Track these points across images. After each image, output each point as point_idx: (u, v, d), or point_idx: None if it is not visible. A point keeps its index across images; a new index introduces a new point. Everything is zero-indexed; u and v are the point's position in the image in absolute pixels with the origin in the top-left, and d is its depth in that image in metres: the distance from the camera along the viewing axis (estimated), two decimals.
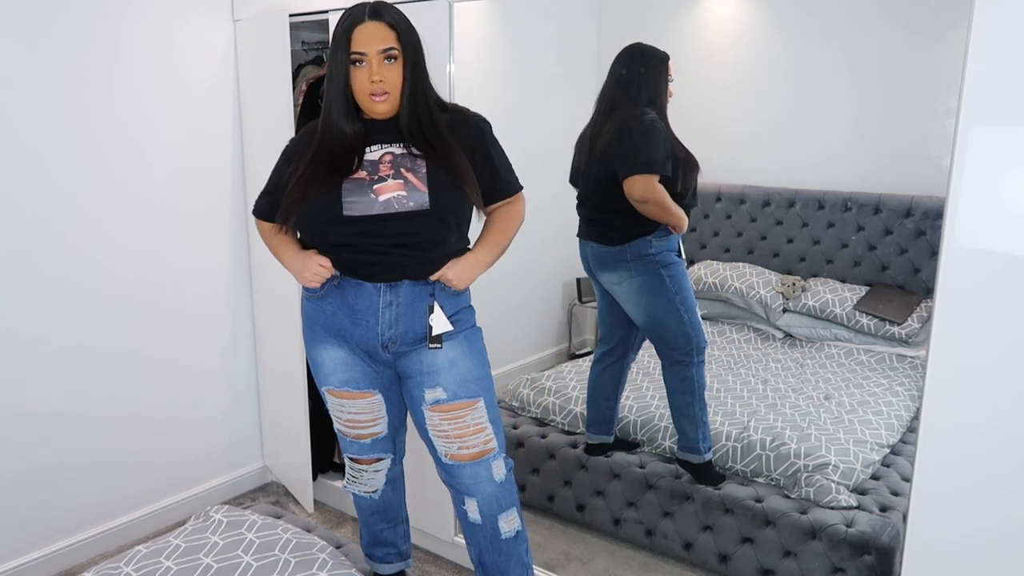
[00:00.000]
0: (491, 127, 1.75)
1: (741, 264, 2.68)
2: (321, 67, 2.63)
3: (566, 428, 2.59)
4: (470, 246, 1.75)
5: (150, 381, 2.55)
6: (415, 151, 1.65)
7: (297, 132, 2.45)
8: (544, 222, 2.58)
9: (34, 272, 2.22)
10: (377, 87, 1.58)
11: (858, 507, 2.02)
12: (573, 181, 2.37)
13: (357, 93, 1.61)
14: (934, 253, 2.33)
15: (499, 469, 1.72)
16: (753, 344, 2.67)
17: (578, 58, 2.88)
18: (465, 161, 1.65)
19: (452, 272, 1.66)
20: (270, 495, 2.90)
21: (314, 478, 2.74)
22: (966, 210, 1.33)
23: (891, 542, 1.91)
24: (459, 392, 1.68)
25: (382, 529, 1.97)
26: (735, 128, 2.61)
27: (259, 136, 2.63)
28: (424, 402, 1.70)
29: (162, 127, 2.48)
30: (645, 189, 2.10)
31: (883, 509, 2.02)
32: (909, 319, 2.41)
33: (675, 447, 2.33)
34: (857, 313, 2.46)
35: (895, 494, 2.07)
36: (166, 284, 2.56)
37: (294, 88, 2.59)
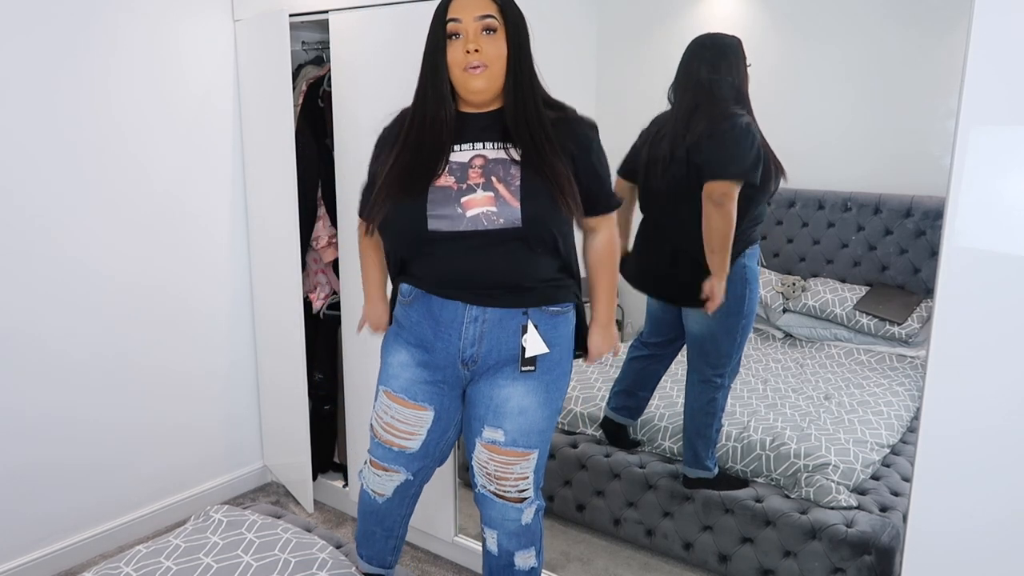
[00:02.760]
0: (598, 132, 1.59)
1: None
2: (321, 67, 2.63)
3: (566, 428, 2.59)
4: (571, 269, 1.61)
5: (150, 382, 2.55)
6: (512, 154, 1.50)
7: (297, 132, 2.46)
8: None
9: (33, 274, 2.22)
10: (473, 58, 1.43)
11: (858, 507, 2.02)
12: (643, 188, 2.22)
13: (452, 70, 1.47)
14: (934, 253, 2.33)
15: (528, 513, 1.66)
16: (753, 344, 2.66)
17: (578, 58, 2.87)
18: (565, 168, 1.49)
19: (593, 357, 1.65)
20: (270, 495, 2.90)
21: (314, 478, 2.74)
22: (966, 210, 1.33)
23: (891, 542, 1.91)
24: (519, 440, 1.58)
25: (374, 532, 1.85)
26: None
27: (259, 137, 2.63)
28: (481, 436, 1.61)
29: (162, 127, 2.47)
30: (724, 192, 1.97)
31: (883, 509, 2.02)
32: (909, 319, 2.41)
33: (675, 448, 2.33)
34: (857, 313, 2.46)
35: (895, 494, 2.07)
36: (166, 284, 2.56)
37: (294, 88, 2.59)
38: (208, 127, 2.61)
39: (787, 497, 2.11)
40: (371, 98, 2.30)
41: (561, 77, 2.99)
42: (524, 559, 1.70)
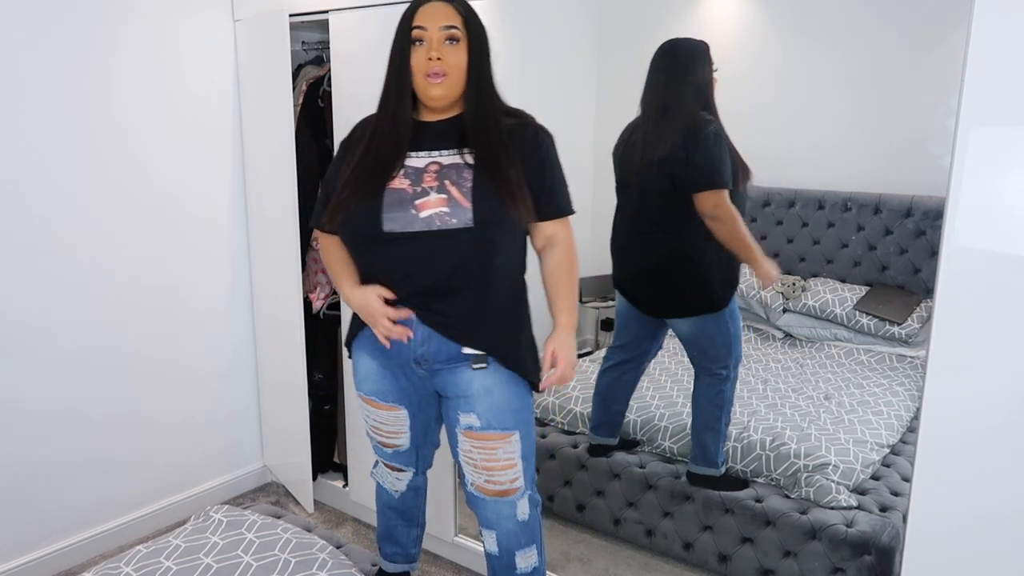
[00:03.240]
0: (553, 140, 1.63)
1: (741, 264, 2.68)
2: (321, 67, 2.63)
3: (566, 428, 2.59)
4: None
5: (150, 381, 2.55)
6: (467, 159, 1.55)
7: (297, 132, 2.46)
8: None
9: (34, 272, 2.22)
10: (435, 65, 1.49)
11: (858, 507, 2.02)
12: (619, 196, 2.27)
13: (414, 75, 1.52)
14: (934, 253, 2.33)
15: (523, 508, 1.67)
16: (753, 344, 2.67)
17: (578, 58, 2.88)
18: (516, 172, 1.53)
19: (560, 368, 1.60)
20: (270, 495, 2.90)
21: (314, 478, 2.74)
22: (966, 210, 1.33)
23: (891, 542, 1.91)
24: (493, 423, 1.60)
25: (396, 526, 1.96)
26: (735, 128, 2.60)
27: (259, 136, 2.63)
28: (459, 424, 1.64)
29: (162, 127, 2.47)
30: (715, 203, 2.02)
31: (883, 509, 2.02)
32: (909, 319, 2.41)
33: (674, 448, 2.33)
34: (857, 313, 2.46)
35: (895, 494, 2.07)
36: (166, 284, 2.56)
37: (294, 88, 2.59)
38: (208, 127, 2.61)
39: (787, 497, 2.11)
40: (371, 98, 2.28)
41: (561, 77, 3.00)
42: (525, 559, 1.71)
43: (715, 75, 2.09)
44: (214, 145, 2.64)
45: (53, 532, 2.37)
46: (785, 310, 2.60)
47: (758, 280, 2.06)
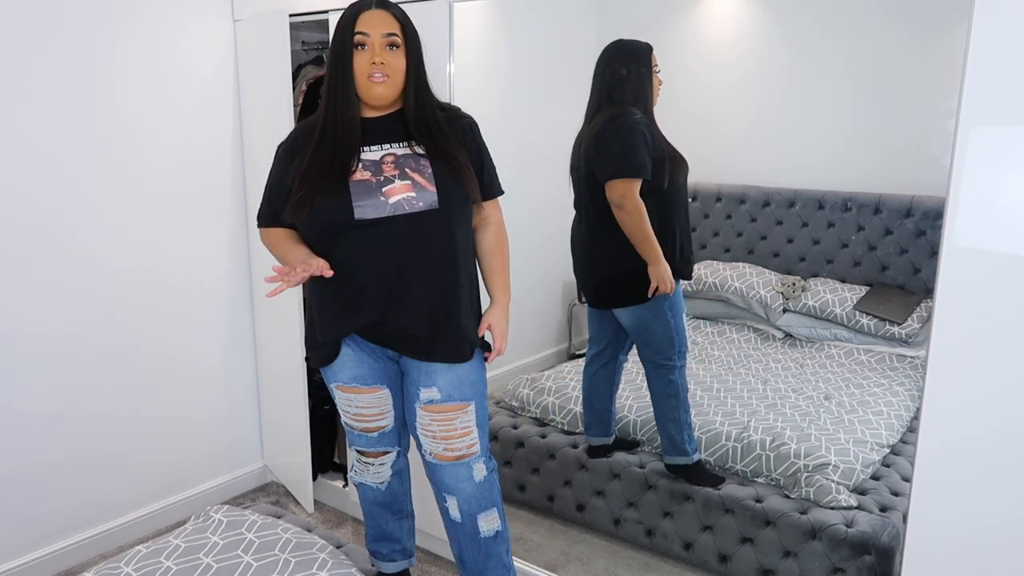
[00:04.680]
0: (479, 128, 1.78)
1: (741, 264, 2.68)
2: (321, 67, 2.63)
3: (566, 428, 2.59)
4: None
5: (150, 381, 2.56)
6: (418, 150, 1.67)
7: None
8: (544, 221, 2.58)
9: (34, 273, 2.22)
10: (378, 68, 1.60)
11: (858, 507, 2.02)
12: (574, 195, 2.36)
13: (357, 77, 1.62)
14: (934, 253, 2.33)
15: (480, 470, 1.76)
16: (753, 344, 2.67)
17: (578, 58, 2.88)
18: (464, 157, 1.68)
19: (498, 344, 1.76)
20: (270, 495, 2.90)
21: (314, 478, 2.74)
22: (966, 210, 1.33)
23: (891, 542, 1.91)
24: (453, 394, 1.71)
25: (387, 521, 1.98)
26: (735, 128, 2.61)
27: (259, 136, 2.63)
28: (419, 400, 1.73)
29: (162, 127, 2.47)
30: (622, 192, 2.09)
31: (883, 509, 2.02)
32: (909, 319, 2.41)
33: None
34: (857, 313, 2.46)
35: (895, 494, 2.07)
36: (166, 284, 2.56)
37: (294, 88, 2.59)
38: (209, 126, 2.61)
39: (787, 497, 2.11)
40: None
41: (561, 77, 3.00)
42: (487, 522, 1.77)
43: (657, 76, 2.17)
44: (214, 145, 2.64)
45: (53, 532, 2.37)
46: (785, 310, 2.60)
47: (656, 281, 2.14)
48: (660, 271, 2.11)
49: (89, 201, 2.32)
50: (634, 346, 2.47)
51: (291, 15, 2.37)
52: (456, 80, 2.12)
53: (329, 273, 1.58)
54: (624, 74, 2.15)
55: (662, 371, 2.23)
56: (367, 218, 1.60)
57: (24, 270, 2.20)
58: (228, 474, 2.86)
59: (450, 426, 1.72)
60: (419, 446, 1.79)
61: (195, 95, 2.56)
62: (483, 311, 1.79)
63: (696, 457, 2.24)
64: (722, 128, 2.61)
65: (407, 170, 1.65)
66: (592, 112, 2.22)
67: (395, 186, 1.63)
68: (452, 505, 1.77)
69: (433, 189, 1.63)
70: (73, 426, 2.37)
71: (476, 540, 1.78)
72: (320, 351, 1.75)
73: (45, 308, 2.26)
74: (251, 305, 2.85)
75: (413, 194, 1.62)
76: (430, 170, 1.65)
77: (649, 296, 2.14)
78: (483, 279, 1.81)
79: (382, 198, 1.61)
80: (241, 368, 2.85)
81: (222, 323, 2.76)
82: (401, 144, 1.68)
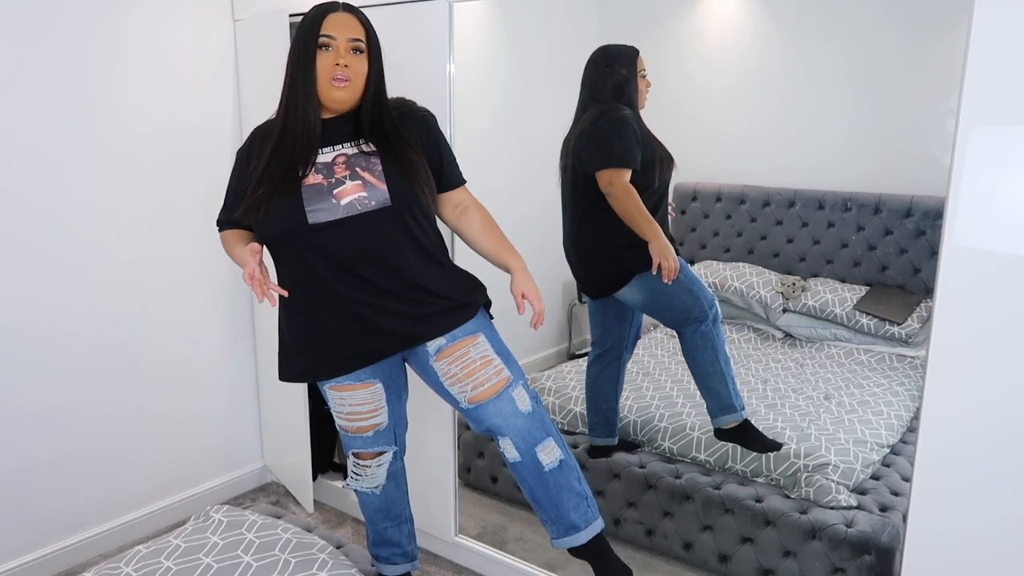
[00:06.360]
0: (436, 120, 1.78)
1: (741, 264, 2.68)
2: None
3: (566, 428, 2.59)
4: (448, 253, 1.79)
5: (150, 381, 2.55)
6: (367, 148, 1.67)
7: None
8: (543, 221, 2.58)
9: (33, 271, 2.22)
10: (341, 71, 1.60)
11: (858, 507, 2.02)
12: (561, 192, 2.39)
13: (319, 78, 1.62)
14: (934, 253, 2.33)
15: (523, 399, 1.70)
16: (753, 344, 2.67)
17: (578, 58, 2.88)
18: (418, 156, 1.68)
19: (536, 305, 1.71)
20: (270, 495, 2.90)
21: (314, 478, 2.74)
22: (966, 210, 1.33)
23: (891, 542, 1.91)
24: (457, 333, 1.69)
25: (386, 527, 1.98)
26: (735, 128, 2.61)
27: None
28: (430, 356, 1.70)
29: (162, 126, 2.47)
30: (610, 180, 2.11)
31: (883, 509, 2.02)
32: (909, 319, 2.41)
33: (674, 448, 2.33)
34: (857, 313, 2.46)
35: (895, 494, 2.07)
36: (166, 283, 2.56)
37: None
38: (208, 127, 2.61)
39: (787, 497, 2.11)
40: None
41: (561, 77, 3.00)
42: (547, 453, 1.70)
43: (645, 78, 2.20)
44: (214, 145, 2.64)
45: (53, 532, 2.37)
46: (785, 310, 2.60)
47: (658, 257, 2.14)
48: (661, 245, 2.11)
49: (87, 202, 2.32)
50: (637, 343, 2.47)
51: (291, 15, 2.37)
52: (456, 80, 2.12)
53: (285, 293, 1.63)
54: (609, 76, 2.19)
55: (695, 325, 2.18)
56: (321, 221, 1.60)
57: (24, 269, 2.20)
58: (228, 474, 2.86)
59: (467, 360, 1.68)
60: (456, 404, 1.73)
61: (195, 95, 2.56)
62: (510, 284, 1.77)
63: (744, 414, 2.18)
64: (722, 128, 2.61)
65: (357, 169, 1.64)
66: (580, 112, 2.25)
67: (346, 187, 1.62)
68: (507, 446, 1.70)
69: (384, 187, 1.62)
70: (73, 426, 2.37)
71: (542, 475, 1.71)
72: (302, 377, 1.76)
73: (45, 308, 2.26)
74: (251, 305, 2.85)
75: (364, 193, 1.62)
76: (380, 167, 1.64)
77: (653, 272, 2.13)
78: (490, 259, 1.80)
79: (334, 200, 1.61)
80: (241, 368, 2.85)
81: (222, 322, 2.76)
82: (351, 144, 1.68)
